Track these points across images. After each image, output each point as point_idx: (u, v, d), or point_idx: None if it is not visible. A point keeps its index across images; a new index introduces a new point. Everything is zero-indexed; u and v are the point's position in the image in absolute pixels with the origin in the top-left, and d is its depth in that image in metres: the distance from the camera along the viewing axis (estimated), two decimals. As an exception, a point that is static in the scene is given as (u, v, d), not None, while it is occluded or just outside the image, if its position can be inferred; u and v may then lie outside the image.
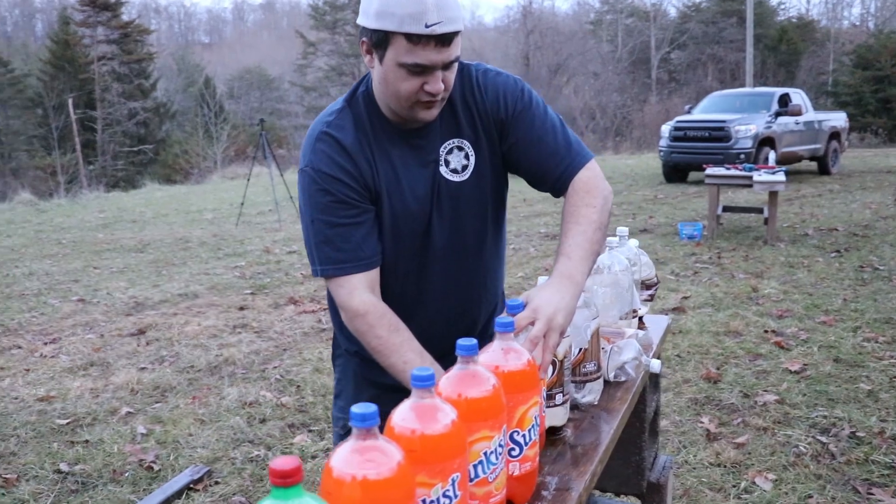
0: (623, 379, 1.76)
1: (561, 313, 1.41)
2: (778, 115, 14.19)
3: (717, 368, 4.22)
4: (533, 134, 1.68)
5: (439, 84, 1.51)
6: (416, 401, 0.95)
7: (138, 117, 40.76)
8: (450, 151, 1.68)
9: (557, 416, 1.48)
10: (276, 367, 4.65)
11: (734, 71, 37.14)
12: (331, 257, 1.60)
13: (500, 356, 1.19)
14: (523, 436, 1.19)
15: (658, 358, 2.26)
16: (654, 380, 2.29)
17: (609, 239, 1.93)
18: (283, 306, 6.25)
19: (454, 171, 1.68)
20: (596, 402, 1.64)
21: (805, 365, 4.21)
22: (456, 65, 1.56)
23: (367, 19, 1.50)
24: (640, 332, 1.94)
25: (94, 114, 39.31)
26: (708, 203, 8.59)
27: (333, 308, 1.82)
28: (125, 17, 40.68)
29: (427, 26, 1.42)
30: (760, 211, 8.44)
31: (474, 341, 1.11)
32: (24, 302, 6.69)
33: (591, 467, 1.37)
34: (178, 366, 4.75)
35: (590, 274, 1.59)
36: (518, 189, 12.39)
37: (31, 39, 67.46)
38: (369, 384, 1.83)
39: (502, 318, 1.22)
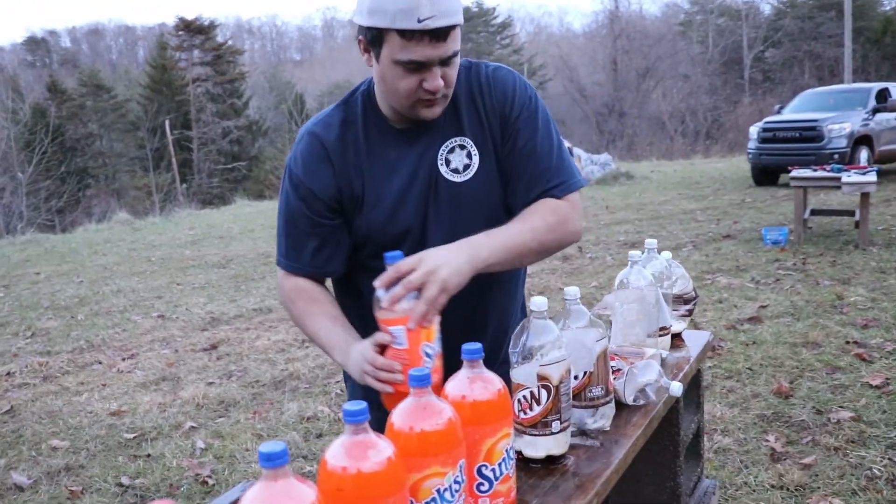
0: (642, 402, 1.66)
1: (446, 268, 1.37)
2: (876, 111, 13.47)
3: (791, 382, 3.99)
4: (529, 144, 1.61)
5: (438, 81, 1.48)
6: (349, 437, 0.91)
7: (231, 135, 42.18)
8: (451, 150, 1.61)
9: (555, 445, 1.40)
10: (338, 382, 4.67)
11: (833, 67, 35.59)
12: (287, 254, 1.69)
13: (467, 385, 1.13)
14: (493, 470, 1.12)
15: (698, 376, 2.16)
16: (694, 399, 2.18)
17: (631, 253, 1.84)
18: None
19: (455, 170, 1.61)
20: (607, 428, 1.55)
21: (888, 379, 3.94)
22: (457, 60, 1.52)
23: (360, 17, 1.47)
24: (665, 352, 1.84)
25: (189, 134, 40.84)
26: (794, 206, 8.20)
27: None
28: (218, 39, 42.26)
29: (420, 21, 1.39)
30: (852, 214, 8.00)
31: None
32: (110, 318, 6.96)
33: (588, 498, 1.30)
34: (245, 380, 4.83)
35: (493, 263, 1.49)
36: (601, 196, 12.29)
37: (133, 66, 70.84)
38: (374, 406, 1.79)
39: (469, 344, 1.16)
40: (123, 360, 5.53)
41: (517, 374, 1.37)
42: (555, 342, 1.37)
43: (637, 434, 1.54)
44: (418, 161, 1.61)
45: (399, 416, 1.04)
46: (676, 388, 1.64)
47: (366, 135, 1.62)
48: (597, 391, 1.51)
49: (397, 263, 1.37)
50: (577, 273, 7.32)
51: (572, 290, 1.52)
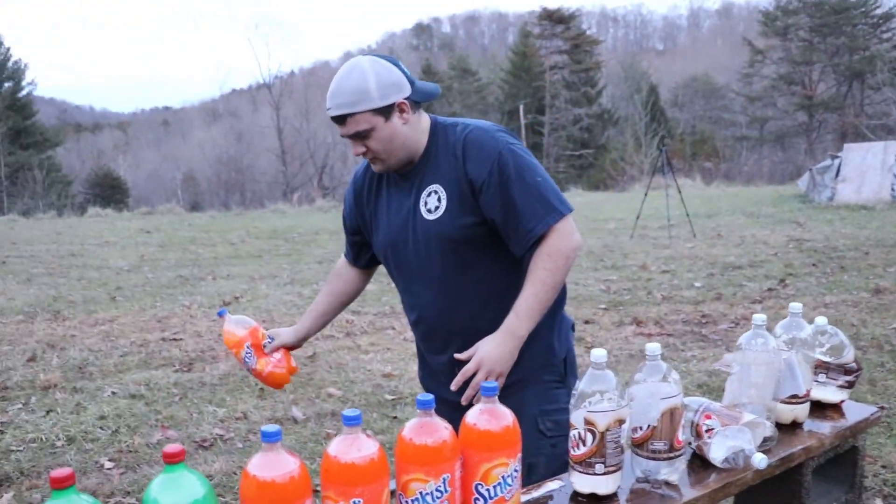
0: (727, 466, 1.68)
1: (499, 363, 1.88)
2: None
3: None
4: (502, 198, 1.93)
5: (358, 148, 1.97)
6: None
7: (582, 123, 43.08)
8: (429, 195, 2.02)
9: (600, 485, 1.53)
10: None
11: None
12: (345, 246, 2.39)
13: (476, 415, 1.34)
14: (487, 490, 1.32)
15: (854, 452, 2.05)
16: (845, 475, 2.07)
17: (755, 317, 1.84)
18: (625, 325, 6.39)
19: (429, 210, 2.01)
20: (674, 482, 1.63)
21: None
22: (374, 132, 1.92)
23: None
24: (761, 423, 1.81)
25: (542, 119, 42.52)
26: None
27: None
28: (582, 27, 43.29)
29: (328, 110, 1.93)
30: None
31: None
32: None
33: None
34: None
35: (530, 329, 1.91)
36: None
37: (501, 51, 75.23)
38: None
39: (488, 382, 1.36)
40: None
41: (573, 415, 1.53)
42: (607, 392, 1.50)
43: (697, 494, 1.59)
44: (405, 201, 2.07)
45: (408, 429, 1.29)
46: (759, 459, 1.64)
47: (379, 178, 2.15)
48: (659, 445, 1.59)
49: (464, 369, 1.90)
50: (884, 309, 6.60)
51: (654, 347, 1.61)
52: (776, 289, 7.57)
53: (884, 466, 3.54)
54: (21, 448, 4.16)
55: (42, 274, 10.51)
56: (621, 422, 1.53)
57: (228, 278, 9.75)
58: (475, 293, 2.04)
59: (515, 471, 1.35)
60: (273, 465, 1.17)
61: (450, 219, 1.97)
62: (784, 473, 1.89)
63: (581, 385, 1.52)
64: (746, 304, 6.97)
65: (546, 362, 2.09)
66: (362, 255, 2.31)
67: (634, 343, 5.80)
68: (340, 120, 1.92)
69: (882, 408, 2.17)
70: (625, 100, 49.49)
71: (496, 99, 46.00)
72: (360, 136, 1.93)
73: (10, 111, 38.67)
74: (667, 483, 1.62)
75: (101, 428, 4.43)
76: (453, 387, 1.91)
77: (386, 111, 1.90)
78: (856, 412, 2.06)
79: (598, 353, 1.53)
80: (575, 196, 22.26)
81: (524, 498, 1.58)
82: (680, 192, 11.93)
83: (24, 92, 42.08)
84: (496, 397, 1.36)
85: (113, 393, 5.06)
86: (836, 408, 2.08)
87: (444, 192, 1.99)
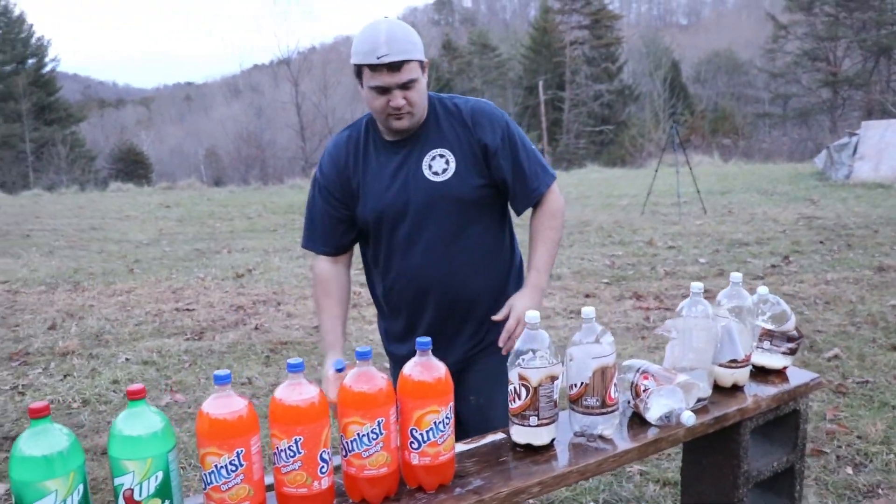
0: (661, 424, 1.83)
1: (528, 303, 2.10)
2: None
3: None
4: (512, 162, 2.16)
5: (399, 100, 2.02)
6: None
7: (602, 99, 42.85)
8: (433, 158, 2.14)
9: (534, 436, 1.69)
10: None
11: None
12: (307, 237, 2.32)
13: (411, 367, 1.51)
14: (421, 434, 1.49)
15: (795, 415, 2.19)
16: (788, 437, 2.21)
17: (693, 284, 1.97)
18: (624, 299, 6.52)
19: (435, 173, 2.13)
20: (608, 436, 1.78)
21: None
22: (418, 85, 2.03)
23: (351, 58, 2.06)
24: (694, 384, 1.95)
25: (562, 94, 42.33)
26: None
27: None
28: (605, 1, 42.91)
29: (378, 57, 1.96)
30: None
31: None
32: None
33: (527, 483, 1.59)
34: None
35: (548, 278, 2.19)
36: None
37: (523, 26, 74.68)
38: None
39: (422, 338, 1.52)
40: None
41: (510, 371, 1.69)
42: (539, 350, 1.66)
43: (629, 447, 1.75)
44: (401, 165, 2.15)
45: (349, 378, 1.46)
46: (687, 417, 1.79)
47: (364, 146, 2.20)
48: (592, 401, 1.75)
49: (507, 325, 2.09)
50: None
51: (588, 310, 1.76)
52: (779, 265, 7.66)
53: (858, 437, 3.67)
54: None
55: (64, 247, 10.81)
56: (553, 378, 1.68)
57: (243, 251, 9.98)
58: (472, 253, 2.21)
59: (447, 418, 1.51)
60: (224, 405, 1.35)
61: (459, 180, 2.13)
62: (722, 432, 2.04)
63: (517, 344, 1.68)
64: (748, 280, 7.06)
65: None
66: (347, 234, 2.27)
67: (632, 316, 5.93)
68: (397, 66, 1.97)
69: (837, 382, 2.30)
70: (646, 76, 49.07)
71: (516, 74, 45.81)
72: (407, 86, 2.01)
73: (33, 87, 39.18)
74: (601, 437, 1.78)
75: (113, 391, 4.66)
76: (501, 344, 2.08)
77: (423, 66, 2.08)
78: (798, 377, 2.19)
79: (532, 315, 1.69)
80: (591, 172, 22.28)
81: (469, 447, 1.75)
82: (691, 168, 11.97)
83: (47, 68, 42.57)
84: (430, 351, 1.52)
85: (126, 359, 5.30)
86: (779, 373, 2.21)
87: (451, 156, 2.14)
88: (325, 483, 1.43)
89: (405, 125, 2.09)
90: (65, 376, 4.96)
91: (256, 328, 6.03)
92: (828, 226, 9.97)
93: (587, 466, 1.68)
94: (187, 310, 6.72)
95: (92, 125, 53.44)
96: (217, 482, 1.35)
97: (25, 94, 37.50)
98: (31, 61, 41.51)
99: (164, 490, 1.31)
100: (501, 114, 2.20)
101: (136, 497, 1.29)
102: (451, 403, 1.53)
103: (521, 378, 1.66)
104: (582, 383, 1.75)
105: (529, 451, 1.71)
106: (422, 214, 2.14)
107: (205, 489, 1.37)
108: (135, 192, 21.66)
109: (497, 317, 2.12)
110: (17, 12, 41.42)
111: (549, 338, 1.69)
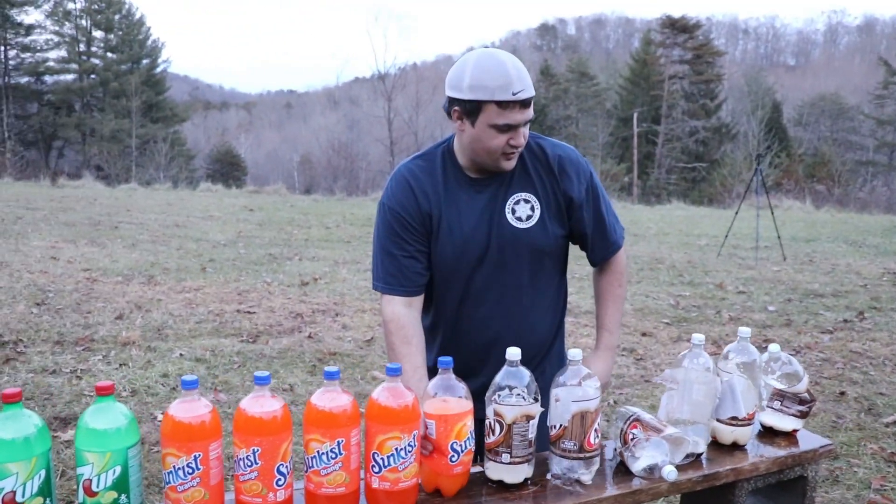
0: (643, 475, 1.79)
1: (607, 376, 2.13)
2: None
3: None
4: (594, 214, 2.13)
5: (521, 138, 1.93)
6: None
7: (698, 135, 42.03)
8: (517, 202, 2.05)
9: (507, 474, 1.68)
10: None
11: None
12: (382, 277, 2.10)
13: (382, 392, 1.52)
14: (382, 458, 1.50)
15: (803, 482, 2.10)
16: (782, 496, 2.12)
17: (695, 336, 1.93)
18: (681, 342, 6.36)
19: (518, 218, 2.04)
20: (585, 481, 1.75)
21: None
22: (530, 122, 1.94)
23: (459, 92, 1.91)
24: (683, 438, 1.90)
25: (657, 128, 41.75)
26: None
27: None
28: (711, 37, 42.23)
29: (514, 94, 1.85)
30: None
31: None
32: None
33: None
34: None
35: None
36: None
37: (626, 56, 74.14)
38: None
39: (392, 364, 1.54)
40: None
41: (487, 406, 1.69)
42: (516, 388, 1.65)
43: (603, 496, 1.71)
44: (486, 205, 2.05)
45: (315, 396, 1.49)
46: (668, 471, 1.74)
47: (444, 180, 2.07)
48: (569, 444, 1.72)
49: None
50: None
51: (575, 352, 1.75)
52: (852, 321, 7.34)
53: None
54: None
55: (146, 241, 11.28)
56: (529, 417, 1.67)
57: (313, 260, 10.20)
58: (539, 305, 2.16)
59: (410, 445, 1.52)
60: (188, 409, 1.40)
61: (541, 228, 2.05)
62: (717, 491, 1.98)
63: (497, 378, 1.68)
64: (815, 333, 6.80)
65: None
66: (423, 274, 2.09)
67: (686, 361, 5.78)
68: (528, 103, 1.89)
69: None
70: (746, 115, 47.90)
71: (612, 104, 45.44)
72: (528, 122, 1.94)
73: (145, 86, 41.15)
74: (578, 482, 1.76)
75: (162, 384, 4.83)
76: None
77: None
78: (808, 442, 2.10)
79: (513, 352, 1.68)
80: (675, 210, 21.83)
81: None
82: (772, 212, 11.59)
83: (158, 69, 44.65)
84: (398, 378, 1.54)
85: (181, 355, 5.48)
86: (788, 436, 2.13)
87: (536, 203, 2.05)
88: (282, 496, 1.46)
89: (513, 165, 2.01)
90: (121, 365, 5.18)
91: (310, 336, 6.15)
92: (915, 284, 9.50)
93: (553, 511, 1.66)
94: (248, 312, 6.91)
95: (195, 125, 55.72)
96: (174, 482, 1.40)
97: (137, 92, 39.39)
98: (145, 62, 43.63)
99: (121, 484, 1.36)
100: (586, 163, 2.13)
101: (94, 488, 1.35)
102: (416, 432, 1.54)
103: (496, 414, 1.65)
104: (561, 425, 1.72)
105: (501, 487, 1.71)
106: (500, 260, 2.06)
107: (164, 487, 1.43)
108: (222, 194, 22.42)
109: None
110: (137, 15, 43.62)
111: (531, 376, 1.68)
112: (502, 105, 1.85)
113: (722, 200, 28.30)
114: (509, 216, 2.04)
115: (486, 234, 2.04)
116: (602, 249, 2.19)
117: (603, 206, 2.14)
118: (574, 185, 2.06)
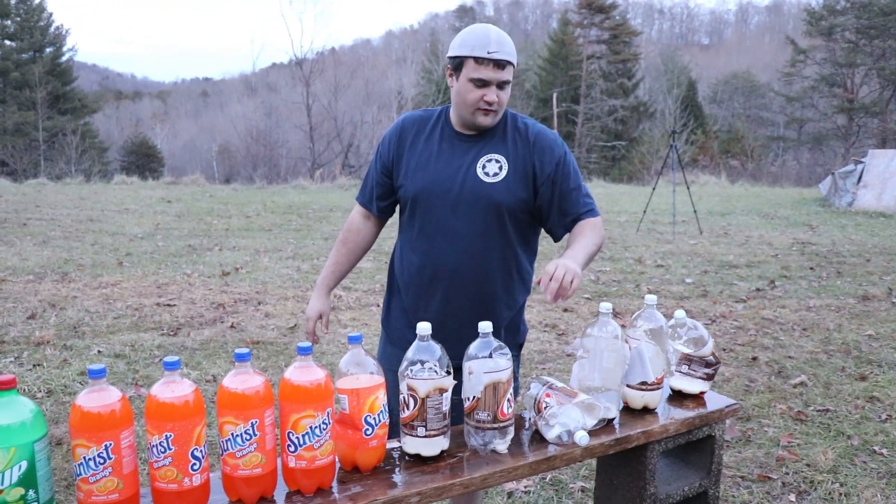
0: (557, 442, 1.84)
1: (569, 262, 2.00)
2: None
3: None
4: (565, 189, 2.29)
5: (493, 96, 2.17)
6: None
7: (617, 114, 42.72)
8: (489, 160, 2.27)
9: (423, 447, 1.71)
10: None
11: None
12: (360, 191, 2.53)
13: (292, 371, 1.53)
14: (298, 437, 1.51)
15: (711, 441, 2.20)
16: (703, 462, 2.22)
17: (602, 305, 1.99)
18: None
19: (486, 174, 2.26)
20: (501, 451, 1.80)
21: None
22: (508, 88, 2.20)
23: (451, 50, 2.22)
24: (595, 404, 1.96)
25: (576, 108, 42.27)
26: None
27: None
28: (627, 17, 42.87)
29: (489, 52, 2.13)
30: None
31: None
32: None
33: (404, 493, 1.61)
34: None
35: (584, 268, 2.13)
36: None
37: (543, 38, 74.68)
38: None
39: (303, 343, 1.55)
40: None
41: (400, 382, 1.71)
42: (428, 362, 1.68)
43: (519, 463, 1.76)
44: (461, 157, 2.29)
45: (227, 378, 1.49)
46: (580, 437, 1.80)
47: (432, 129, 2.35)
48: (483, 415, 1.76)
49: (546, 268, 1.97)
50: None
51: (485, 325, 1.78)
52: (764, 289, 7.64)
53: (808, 465, 3.67)
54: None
55: (58, 237, 10.88)
56: (442, 390, 1.70)
57: (234, 250, 10.02)
58: (492, 259, 2.30)
59: (324, 423, 1.53)
60: (97, 399, 1.38)
61: (506, 186, 2.25)
62: (630, 454, 2.06)
63: (408, 353, 1.71)
64: (730, 302, 7.07)
65: (512, 338, 2.43)
66: (384, 198, 2.45)
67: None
68: (502, 65, 2.16)
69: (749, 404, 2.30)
70: (662, 93, 48.96)
71: (531, 85, 45.79)
72: (502, 86, 2.19)
73: (50, 76, 39.41)
74: (494, 451, 1.80)
75: (79, 383, 4.70)
76: (542, 287, 1.95)
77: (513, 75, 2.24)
78: (714, 403, 2.20)
79: (423, 326, 1.71)
80: (596, 187, 22.22)
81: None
82: (688, 187, 11.94)
83: (64, 58, 42.83)
84: (311, 356, 1.55)
85: (99, 352, 5.33)
86: (697, 398, 2.23)
87: (505, 163, 2.27)
88: (198, 480, 1.45)
89: (489, 122, 2.24)
90: (35, 366, 5.01)
91: (232, 326, 6.07)
92: (821, 252, 9.94)
93: (472, 480, 1.69)
94: (168, 305, 6.76)
95: (107, 117, 53.80)
96: (85, 474, 1.37)
97: (41, 82, 37.76)
98: (48, 50, 41.80)
99: (28, 480, 1.34)
100: (562, 145, 2.34)
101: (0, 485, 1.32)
102: (330, 409, 1.55)
103: (410, 389, 1.68)
104: (474, 397, 1.76)
105: (418, 461, 1.73)
106: (461, 206, 2.25)
107: (75, 480, 1.40)
108: (138, 186, 21.77)
109: (543, 280, 1.97)
110: (36, 0, 41.73)
111: (441, 350, 1.71)
112: (478, 61, 2.14)
113: (641, 178, 28.93)
114: (479, 171, 2.26)
115: (453, 180, 2.26)
116: (562, 220, 2.31)
117: (571, 183, 2.30)
118: (546, 158, 2.27)
